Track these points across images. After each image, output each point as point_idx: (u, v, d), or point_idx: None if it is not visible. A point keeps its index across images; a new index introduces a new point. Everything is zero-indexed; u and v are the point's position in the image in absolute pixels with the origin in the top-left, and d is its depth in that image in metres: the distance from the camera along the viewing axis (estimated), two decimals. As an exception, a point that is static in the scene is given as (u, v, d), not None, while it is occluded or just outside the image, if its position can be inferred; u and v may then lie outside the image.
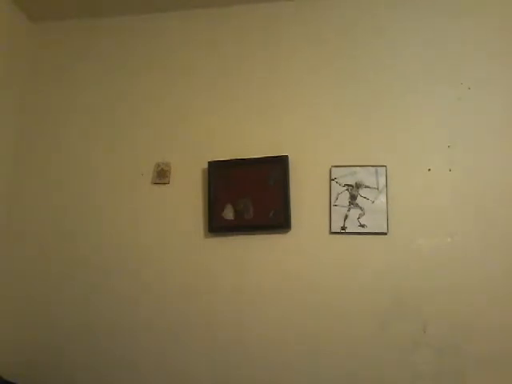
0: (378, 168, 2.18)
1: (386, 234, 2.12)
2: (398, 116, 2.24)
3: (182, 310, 2.21)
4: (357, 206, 2.16)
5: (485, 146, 2.15)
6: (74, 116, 2.51)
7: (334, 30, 2.39)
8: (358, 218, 2.15)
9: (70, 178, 2.43)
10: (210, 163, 2.29)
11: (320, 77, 2.34)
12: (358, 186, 2.18)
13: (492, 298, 2.00)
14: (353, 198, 2.17)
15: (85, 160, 2.44)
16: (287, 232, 2.20)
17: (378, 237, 2.12)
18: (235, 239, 2.23)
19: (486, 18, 2.27)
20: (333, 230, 2.16)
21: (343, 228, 2.15)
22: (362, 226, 2.14)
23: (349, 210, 2.16)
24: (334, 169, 2.21)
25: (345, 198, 2.18)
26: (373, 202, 2.15)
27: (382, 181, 2.17)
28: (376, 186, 2.17)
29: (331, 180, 2.21)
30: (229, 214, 2.24)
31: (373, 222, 2.13)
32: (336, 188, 2.20)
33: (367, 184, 2.17)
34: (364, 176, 2.18)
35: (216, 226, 2.24)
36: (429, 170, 2.16)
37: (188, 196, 2.31)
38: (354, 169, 2.20)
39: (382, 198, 2.15)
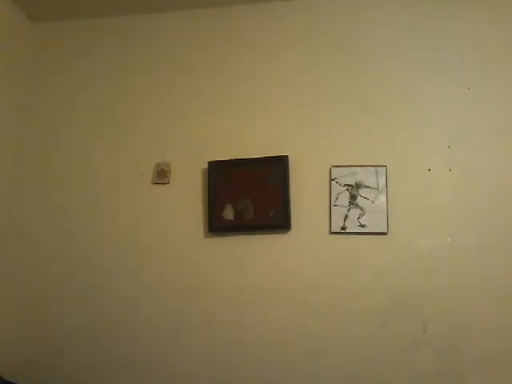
0: (378, 168, 2.18)
1: (385, 234, 2.12)
2: (398, 116, 2.24)
3: (182, 309, 2.21)
4: (357, 205, 2.16)
5: (485, 146, 2.15)
6: (74, 116, 2.51)
7: (334, 29, 2.39)
8: (358, 218, 2.15)
9: (70, 178, 2.43)
10: (209, 163, 2.29)
11: (320, 77, 2.34)
12: (358, 185, 2.18)
13: (492, 297, 2.00)
14: (353, 198, 2.17)
15: (85, 160, 2.44)
16: (287, 232, 2.20)
17: (378, 237, 2.12)
18: (235, 239, 2.23)
19: (486, 18, 2.27)
20: (333, 230, 2.16)
21: (343, 228, 2.15)
22: (362, 226, 2.14)
23: (349, 210, 2.16)
24: (333, 169, 2.21)
25: (345, 197, 2.18)
26: (373, 201, 2.15)
27: (382, 181, 2.17)
28: (376, 186, 2.17)
29: (331, 180, 2.21)
30: (229, 214, 2.24)
31: (373, 222, 2.13)
32: (336, 188, 2.20)
33: (367, 184, 2.17)
34: (364, 176, 2.18)
35: (216, 225, 2.24)
36: (429, 170, 2.16)
37: (188, 196, 2.31)
38: (353, 169, 2.20)
39: (382, 198, 2.15)
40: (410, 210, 2.13)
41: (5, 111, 2.44)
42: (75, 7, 2.53)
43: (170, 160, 2.37)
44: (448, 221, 2.10)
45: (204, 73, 2.45)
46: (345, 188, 2.19)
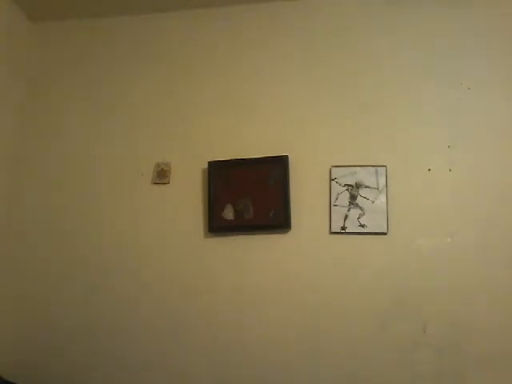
0: (378, 168, 2.18)
1: (385, 234, 2.12)
2: (398, 116, 2.24)
3: (182, 309, 2.21)
4: (357, 205, 2.16)
5: (485, 146, 2.15)
6: (73, 116, 2.50)
7: (334, 29, 2.38)
8: (358, 218, 2.15)
9: (69, 178, 2.43)
10: (209, 163, 2.29)
11: (320, 77, 2.34)
12: (358, 185, 2.18)
13: (492, 297, 2.00)
14: (353, 198, 2.17)
15: (85, 160, 2.44)
16: (287, 232, 2.20)
17: (378, 237, 2.12)
18: (235, 239, 2.23)
19: (486, 17, 2.27)
20: (333, 230, 2.16)
21: (343, 228, 2.15)
22: (362, 226, 2.14)
23: (349, 210, 2.16)
24: (333, 169, 2.21)
25: (345, 197, 2.18)
26: (373, 202, 2.15)
27: (382, 181, 2.17)
28: (376, 186, 2.17)
29: (331, 180, 2.21)
30: (229, 214, 2.24)
31: (373, 222, 2.13)
32: (336, 188, 2.19)
33: (367, 184, 2.17)
34: (364, 176, 2.18)
35: (216, 226, 2.24)
36: (429, 170, 2.16)
37: (188, 196, 2.31)
38: (353, 169, 2.20)
39: (382, 198, 2.15)
40: (410, 210, 2.13)
41: (5, 111, 2.44)
42: (75, 7, 2.53)
43: (170, 160, 2.37)
44: (448, 221, 2.10)
45: (204, 73, 2.45)
46: (345, 188, 2.19)
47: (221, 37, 2.48)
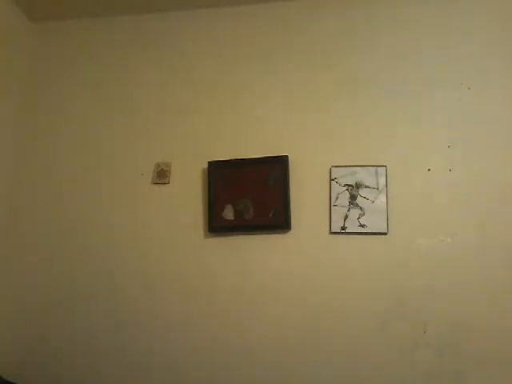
0: (378, 168, 2.18)
1: (385, 234, 2.12)
2: (398, 116, 2.24)
3: (182, 309, 2.21)
4: (357, 205, 2.16)
5: (485, 146, 2.15)
6: (73, 116, 2.50)
7: (334, 31, 2.38)
8: (358, 218, 2.15)
9: (69, 179, 2.43)
10: (209, 163, 2.29)
11: (320, 77, 2.34)
12: (358, 185, 2.18)
13: (492, 298, 2.00)
14: (353, 198, 2.17)
15: (85, 160, 2.44)
16: (287, 232, 2.20)
17: (377, 237, 2.12)
18: (235, 239, 2.23)
19: (486, 18, 2.27)
20: (333, 230, 2.16)
21: (343, 228, 2.15)
22: (362, 226, 2.14)
23: (349, 210, 2.16)
24: (333, 169, 2.21)
25: (345, 197, 2.18)
26: (373, 201, 2.15)
27: (382, 181, 2.17)
28: (376, 186, 2.17)
29: (331, 180, 2.21)
30: (229, 214, 2.24)
31: (373, 222, 2.13)
32: (336, 188, 2.19)
33: (367, 184, 2.17)
34: (364, 176, 2.18)
35: (216, 225, 2.24)
36: (429, 170, 2.16)
37: (188, 196, 2.31)
38: (353, 169, 2.20)
39: (382, 198, 2.15)
40: (409, 210, 2.13)
41: (5, 111, 2.44)
42: (75, 7, 2.53)
43: (170, 160, 2.37)
44: (448, 221, 2.10)
45: (204, 73, 2.45)
46: (345, 188, 2.19)
47: (221, 37, 2.48)
